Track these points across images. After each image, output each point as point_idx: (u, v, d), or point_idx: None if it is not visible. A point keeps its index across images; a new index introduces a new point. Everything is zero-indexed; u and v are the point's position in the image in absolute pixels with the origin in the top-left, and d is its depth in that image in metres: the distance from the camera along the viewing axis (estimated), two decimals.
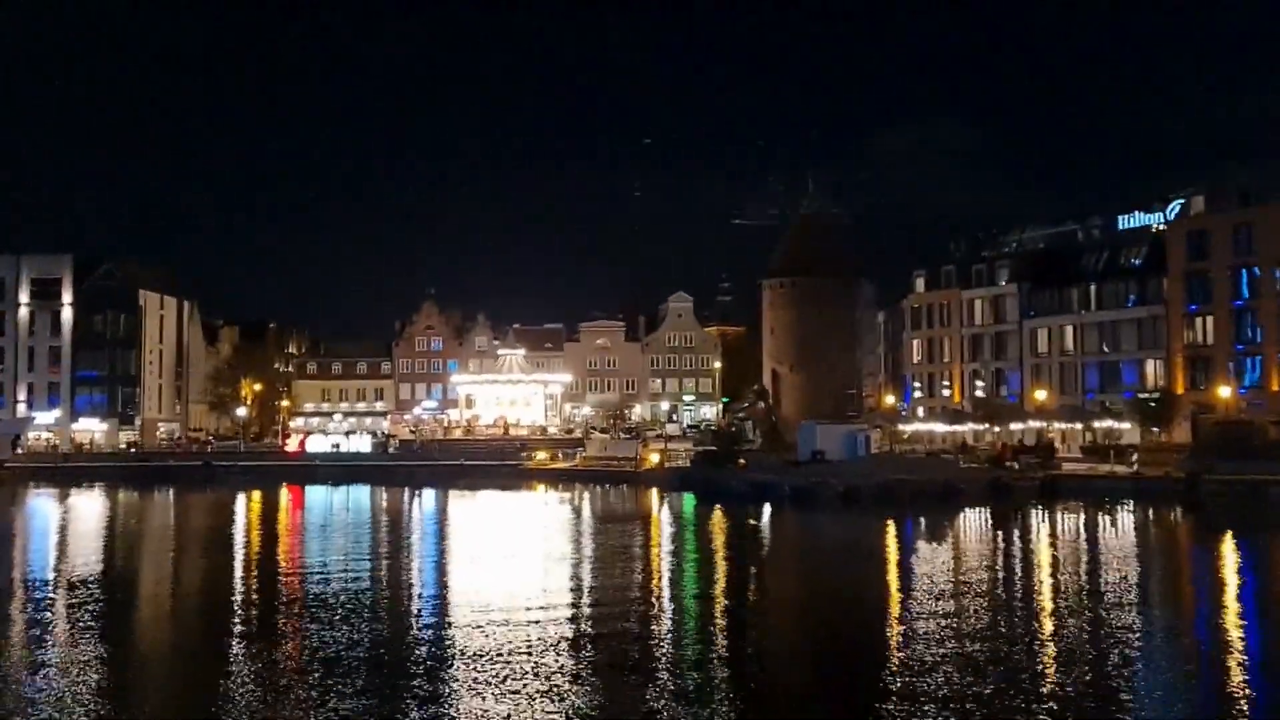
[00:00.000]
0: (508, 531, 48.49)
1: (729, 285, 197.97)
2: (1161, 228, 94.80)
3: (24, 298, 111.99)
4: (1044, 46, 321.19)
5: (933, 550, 41.76)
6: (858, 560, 39.27)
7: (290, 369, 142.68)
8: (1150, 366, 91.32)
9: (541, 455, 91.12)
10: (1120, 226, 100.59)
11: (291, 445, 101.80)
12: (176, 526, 55.53)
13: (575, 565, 36.59)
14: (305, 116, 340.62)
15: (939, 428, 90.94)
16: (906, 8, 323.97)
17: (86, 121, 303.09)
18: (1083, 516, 52.62)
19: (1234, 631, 25.48)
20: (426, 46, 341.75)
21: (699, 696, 19.27)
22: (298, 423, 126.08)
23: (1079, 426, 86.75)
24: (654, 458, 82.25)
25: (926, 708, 18.09)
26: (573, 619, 25.82)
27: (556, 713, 17.78)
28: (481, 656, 21.43)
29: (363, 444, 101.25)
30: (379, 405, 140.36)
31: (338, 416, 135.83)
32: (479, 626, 24.36)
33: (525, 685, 19.29)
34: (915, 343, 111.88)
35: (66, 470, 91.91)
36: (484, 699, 18.48)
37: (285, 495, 72.47)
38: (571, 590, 30.89)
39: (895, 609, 27.92)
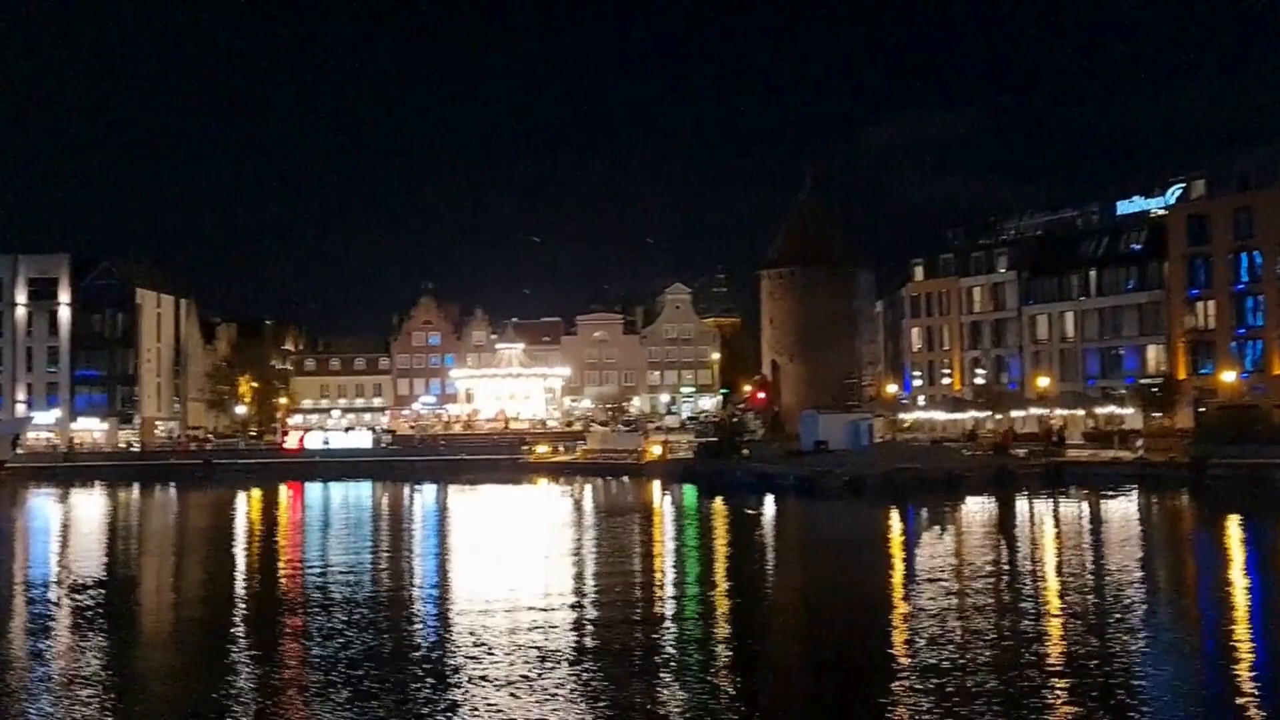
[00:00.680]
0: (511, 526, 48.38)
1: (724, 277, 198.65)
2: (1161, 213, 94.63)
3: (21, 297, 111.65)
4: (1038, 35, 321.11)
5: (942, 539, 41.65)
6: (868, 549, 39.12)
7: (288, 366, 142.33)
8: (1151, 352, 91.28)
9: (543, 449, 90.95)
10: (1119, 212, 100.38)
11: (291, 442, 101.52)
12: (178, 525, 55.33)
13: (582, 560, 36.41)
14: (300, 113, 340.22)
15: (940, 416, 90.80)
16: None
17: (81, 120, 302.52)
18: (1090, 502, 52.51)
19: (1242, 613, 25.47)
20: (422, 42, 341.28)
21: (711, 688, 19.07)
22: (296, 419, 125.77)
23: (1081, 413, 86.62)
24: (656, 450, 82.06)
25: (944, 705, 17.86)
26: (580, 616, 25.58)
27: (565, 710, 17.54)
28: (487, 654, 21.19)
29: (363, 439, 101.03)
30: (377, 401, 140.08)
31: (336, 412, 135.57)
32: (484, 625, 24.08)
33: (532, 683, 19.07)
34: (915, 331, 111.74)
35: (67, 469, 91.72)
36: (491, 697, 18.23)
37: (285, 493, 72.24)
38: (578, 587, 30.67)
39: (912, 598, 27.70)
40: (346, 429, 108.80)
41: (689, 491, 63.55)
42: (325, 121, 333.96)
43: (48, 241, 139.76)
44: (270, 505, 64.77)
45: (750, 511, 52.53)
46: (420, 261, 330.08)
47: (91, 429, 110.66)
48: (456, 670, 19.95)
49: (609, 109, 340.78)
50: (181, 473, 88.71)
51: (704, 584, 31.32)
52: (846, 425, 71.52)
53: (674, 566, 35.14)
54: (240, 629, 25.17)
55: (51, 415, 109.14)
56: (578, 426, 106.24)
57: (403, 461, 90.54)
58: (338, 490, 72.44)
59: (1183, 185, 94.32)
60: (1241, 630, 23.52)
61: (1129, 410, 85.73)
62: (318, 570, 33.78)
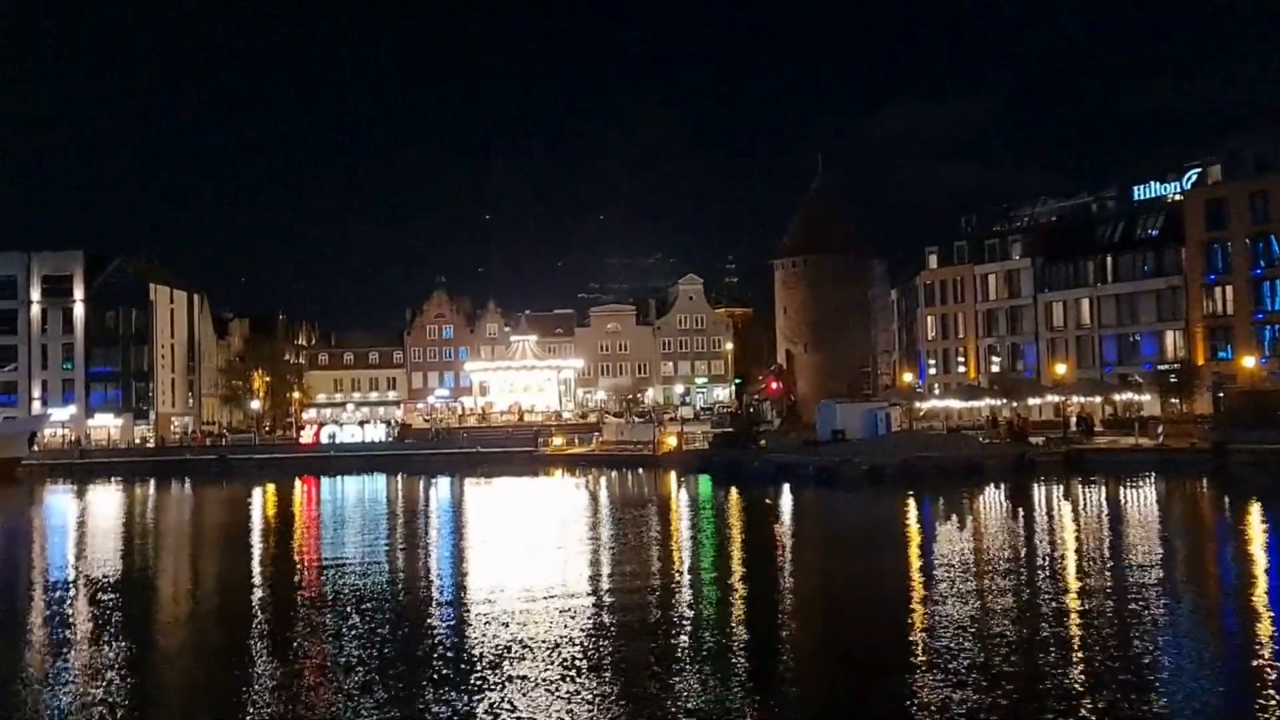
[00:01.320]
0: (529, 518, 48.14)
1: (735, 267, 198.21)
2: (1177, 197, 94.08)
3: (36, 295, 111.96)
4: (1049, 20, 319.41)
5: (966, 528, 41.30)
6: (893, 538, 38.81)
7: (301, 360, 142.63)
8: (1169, 338, 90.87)
9: (558, 441, 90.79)
10: (1136, 197, 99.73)
11: (306, 437, 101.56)
12: (195, 522, 55.20)
13: (600, 552, 36.11)
14: (311, 108, 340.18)
15: (956, 404, 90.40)
16: None
17: (94, 119, 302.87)
18: (1113, 489, 52.13)
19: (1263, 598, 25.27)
20: (428, 33, 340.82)
21: (733, 682, 18.85)
22: (310, 414, 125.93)
23: (1098, 400, 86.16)
24: (671, 441, 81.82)
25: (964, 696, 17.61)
26: (601, 609, 25.31)
27: (586, 704, 17.32)
28: (507, 649, 20.93)
29: (377, 433, 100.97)
30: (391, 395, 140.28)
31: (350, 407, 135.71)
32: (502, 620, 23.82)
33: (553, 677, 18.86)
34: (929, 319, 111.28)
35: (83, 466, 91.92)
36: (512, 692, 18.01)
37: (300, 488, 72.17)
38: (599, 580, 30.41)
39: (941, 586, 27.40)
40: (361, 423, 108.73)
41: (707, 482, 63.30)
42: (336, 116, 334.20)
43: (61, 239, 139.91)
44: (286, 501, 64.67)
45: (771, 502, 52.29)
46: (433, 255, 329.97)
47: (107, 425, 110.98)
48: (477, 669, 19.65)
49: (616, 102, 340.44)
50: (197, 468, 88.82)
51: (741, 576, 31.09)
52: (864, 414, 71.18)
53: (708, 559, 34.84)
54: (260, 626, 24.99)
55: (67, 412, 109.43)
56: (592, 418, 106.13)
57: (418, 455, 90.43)
58: (353, 485, 72.36)
59: (1198, 169, 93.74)
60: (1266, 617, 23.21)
61: (1146, 397, 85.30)
62: (337, 568, 33.56)
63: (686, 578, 30.52)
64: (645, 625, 23.41)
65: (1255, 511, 43.14)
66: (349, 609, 26.06)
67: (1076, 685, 17.89)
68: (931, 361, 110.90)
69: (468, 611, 25.37)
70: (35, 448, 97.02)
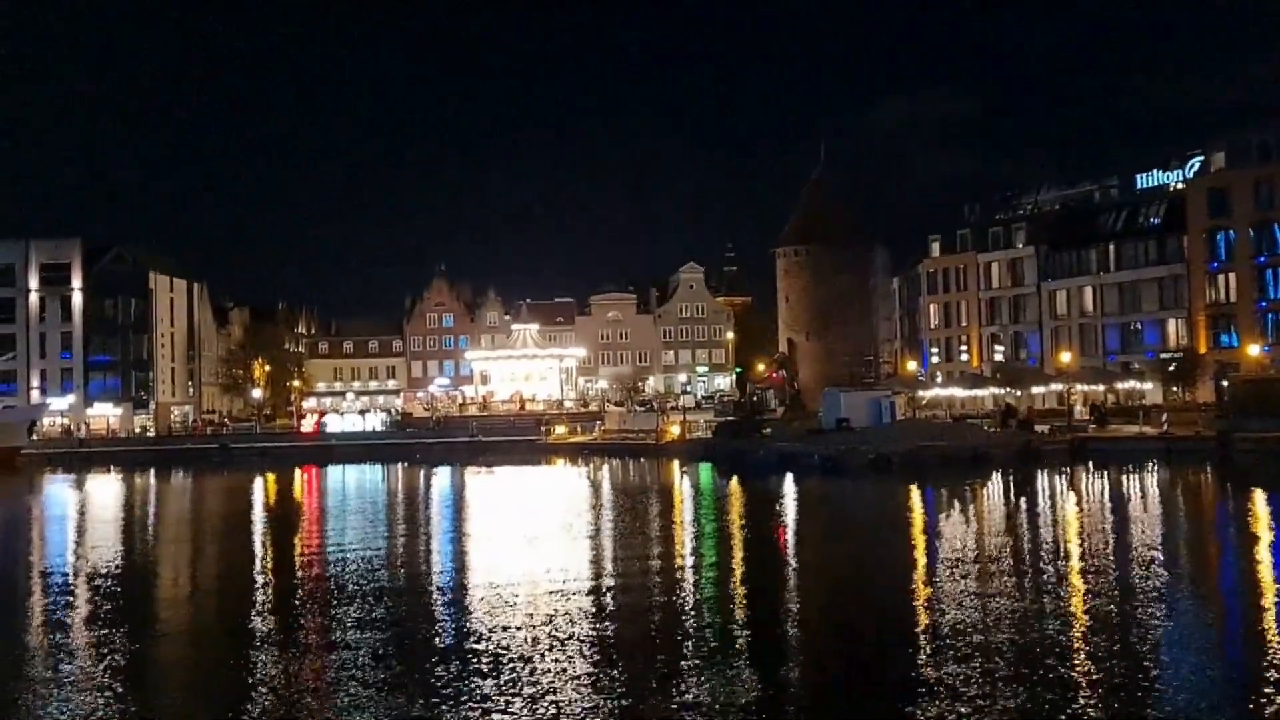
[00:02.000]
0: (532, 508, 47.83)
1: (734, 255, 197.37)
2: (1180, 186, 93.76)
3: (34, 283, 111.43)
4: (1050, 9, 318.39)
5: (976, 516, 41.10)
6: (902, 527, 38.57)
7: (301, 349, 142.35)
8: (1172, 326, 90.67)
9: (560, 430, 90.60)
10: (1138, 186, 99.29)
11: (307, 426, 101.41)
12: (195, 511, 54.94)
13: (606, 543, 35.85)
14: (309, 95, 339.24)
15: (959, 393, 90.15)
16: None
17: (91, 106, 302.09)
18: (1118, 478, 51.99)
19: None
20: (428, 21, 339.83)
21: (741, 670, 18.61)
22: (310, 403, 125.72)
23: (1101, 388, 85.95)
24: (674, 430, 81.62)
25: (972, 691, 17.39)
26: (606, 602, 24.95)
27: (587, 701, 17.08)
28: (511, 643, 20.56)
29: (377, 422, 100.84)
30: (391, 384, 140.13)
31: (350, 395, 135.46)
32: (506, 614, 23.49)
33: (556, 673, 18.56)
34: (932, 308, 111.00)
35: (83, 455, 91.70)
36: (515, 689, 17.70)
37: (301, 476, 71.97)
38: (606, 572, 30.11)
39: (955, 575, 27.20)
40: (361, 412, 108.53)
41: (711, 472, 63.04)
42: (335, 104, 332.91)
43: (60, 227, 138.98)
44: (287, 490, 64.51)
45: (777, 491, 52.05)
46: (432, 243, 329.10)
47: (106, 414, 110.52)
48: (480, 664, 19.33)
49: (615, 89, 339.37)
50: (197, 457, 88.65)
51: (757, 565, 30.82)
52: (868, 403, 70.89)
53: (721, 549, 34.57)
54: (261, 616, 24.75)
55: (66, 401, 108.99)
56: (594, 407, 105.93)
57: (419, 444, 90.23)
58: (354, 474, 72.14)
59: (1201, 157, 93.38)
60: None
61: (1149, 385, 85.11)
62: (339, 559, 33.24)
63: (709, 572, 30.19)
64: (662, 611, 23.22)
65: (1261, 500, 42.93)
66: (352, 598, 25.83)
67: (1081, 675, 17.63)
68: (934, 350, 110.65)
69: (468, 606, 25.11)
70: (35, 437, 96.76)
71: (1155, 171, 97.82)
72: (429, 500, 54.95)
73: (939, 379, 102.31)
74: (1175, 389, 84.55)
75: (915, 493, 48.76)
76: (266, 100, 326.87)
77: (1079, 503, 44.83)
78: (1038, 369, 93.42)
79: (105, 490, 67.20)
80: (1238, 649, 19.62)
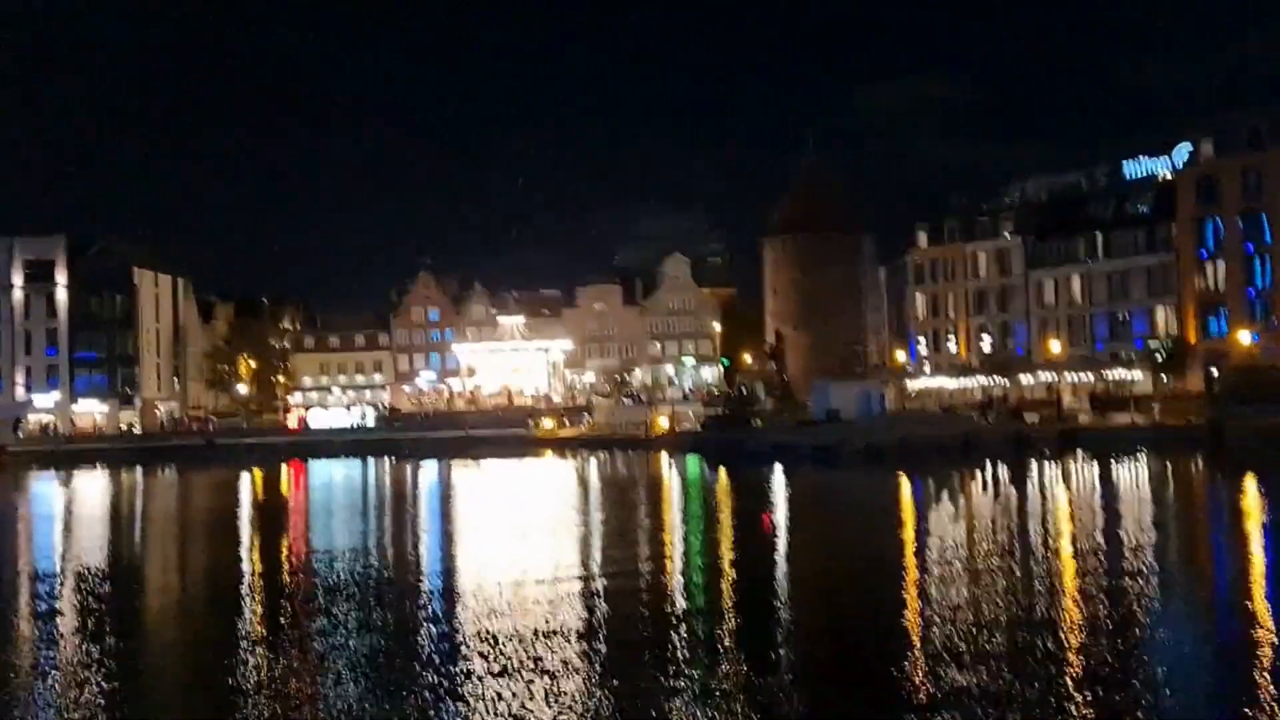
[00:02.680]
0: (521, 502, 47.49)
1: (720, 246, 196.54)
2: (1169, 174, 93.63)
3: (18, 280, 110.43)
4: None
5: (968, 504, 40.98)
6: (895, 515, 38.40)
7: (287, 344, 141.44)
8: (1161, 315, 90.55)
9: (549, 423, 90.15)
10: (1127, 174, 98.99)
11: (293, 421, 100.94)
12: (182, 508, 54.49)
13: (598, 537, 35.56)
14: (293, 90, 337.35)
15: (948, 383, 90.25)
16: None
17: (75, 101, 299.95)
18: (1109, 467, 51.87)
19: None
20: (414, 21, 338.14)
21: (734, 664, 18.33)
22: (296, 398, 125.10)
23: (1090, 378, 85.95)
24: (663, 422, 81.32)
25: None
26: (599, 598, 24.68)
27: (583, 696, 16.80)
28: (499, 639, 20.27)
29: (363, 416, 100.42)
30: (377, 378, 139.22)
31: (336, 390, 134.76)
32: (494, 610, 23.18)
33: (547, 668, 18.29)
34: (919, 298, 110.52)
35: (69, 453, 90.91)
36: (506, 684, 17.40)
37: (288, 472, 71.51)
38: (602, 565, 29.88)
39: (957, 565, 26.97)
40: (347, 406, 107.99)
41: (703, 464, 62.82)
42: (318, 97, 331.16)
43: (43, 223, 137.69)
44: (273, 485, 64.04)
45: (769, 482, 51.86)
46: (417, 236, 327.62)
47: (92, 411, 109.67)
48: (469, 660, 19.00)
49: (597, 80, 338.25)
50: (184, 453, 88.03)
51: (760, 556, 30.65)
52: (858, 393, 70.83)
53: (722, 539, 34.37)
54: (249, 614, 24.47)
55: (51, 398, 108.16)
56: (581, 400, 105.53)
57: (406, 438, 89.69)
58: (340, 469, 71.70)
59: (1190, 146, 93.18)
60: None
61: (1138, 374, 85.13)
62: (326, 555, 32.85)
63: (724, 561, 30.03)
64: (657, 605, 22.94)
65: (1250, 487, 42.88)
66: (339, 594, 25.54)
67: (1076, 671, 17.41)
68: (922, 340, 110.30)
69: (462, 597, 24.82)
70: (20, 434, 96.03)
71: (1144, 159, 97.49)
72: (417, 495, 54.60)
73: (927, 369, 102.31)
74: (1165, 378, 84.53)
75: (904, 482, 48.62)
76: (250, 96, 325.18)
77: (1067, 492, 44.76)
78: (1026, 359, 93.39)
79: (92, 487, 66.66)
80: (1233, 628, 19.40)
